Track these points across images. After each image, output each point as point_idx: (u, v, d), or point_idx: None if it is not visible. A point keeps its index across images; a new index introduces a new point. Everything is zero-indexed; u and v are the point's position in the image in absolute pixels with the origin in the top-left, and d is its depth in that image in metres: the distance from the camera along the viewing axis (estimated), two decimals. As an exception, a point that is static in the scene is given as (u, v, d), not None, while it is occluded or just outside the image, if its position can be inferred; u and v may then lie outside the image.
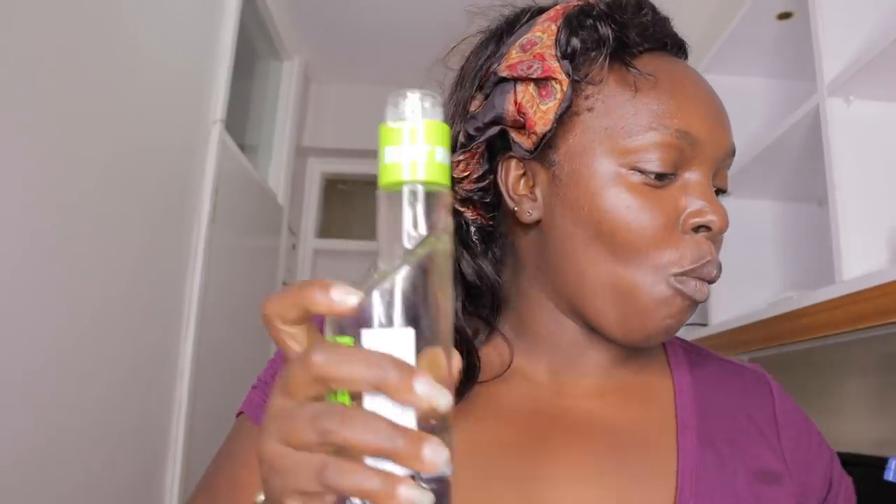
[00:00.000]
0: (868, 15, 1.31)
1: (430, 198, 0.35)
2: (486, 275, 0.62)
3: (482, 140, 0.60)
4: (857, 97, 1.28)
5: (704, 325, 1.90)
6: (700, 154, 0.56)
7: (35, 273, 1.28)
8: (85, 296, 1.45)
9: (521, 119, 0.58)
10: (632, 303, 0.56)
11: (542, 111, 0.57)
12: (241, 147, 2.53)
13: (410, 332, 0.34)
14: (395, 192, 0.35)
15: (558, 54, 0.57)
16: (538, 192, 0.59)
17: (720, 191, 0.59)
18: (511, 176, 0.60)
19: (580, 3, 0.61)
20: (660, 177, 0.55)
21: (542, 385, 0.62)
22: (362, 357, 0.33)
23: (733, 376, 0.69)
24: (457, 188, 0.62)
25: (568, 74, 0.57)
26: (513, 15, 0.64)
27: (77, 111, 1.41)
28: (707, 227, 0.56)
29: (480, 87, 0.61)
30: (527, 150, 0.59)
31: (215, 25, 2.21)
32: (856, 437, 1.63)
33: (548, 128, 0.57)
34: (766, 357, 2.13)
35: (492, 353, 0.62)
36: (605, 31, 0.58)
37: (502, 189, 0.60)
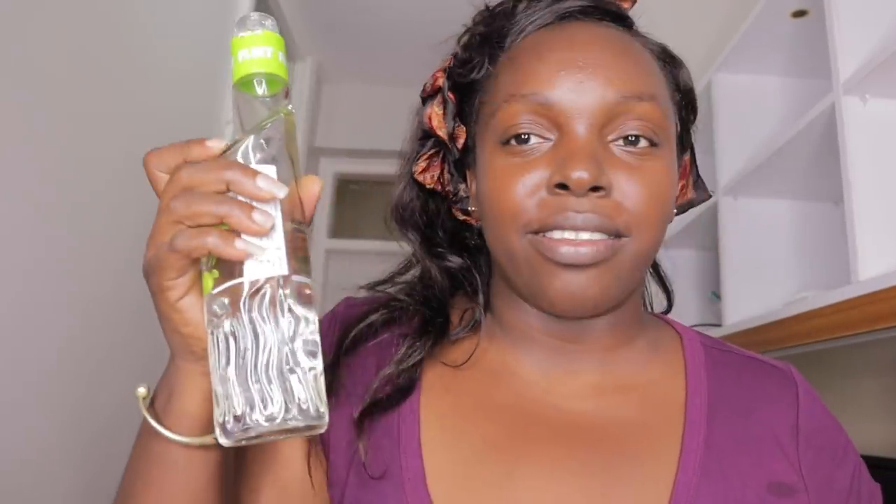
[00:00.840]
0: (884, 13, 1.30)
1: (274, 83, 0.47)
2: (467, 267, 0.67)
3: (424, 153, 0.66)
4: (873, 95, 1.26)
5: (718, 325, 1.89)
6: (563, 114, 0.56)
7: (48, 273, 1.29)
8: (98, 296, 1.46)
9: (433, 129, 0.65)
10: (520, 271, 0.58)
11: (438, 116, 0.65)
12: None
13: (272, 168, 0.46)
14: (249, 81, 0.47)
15: (447, 67, 0.65)
16: (476, 190, 0.64)
17: (639, 138, 0.57)
18: (474, 182, 0.65)
19: (480, 11, 0.66)
20: (522, 142, 0.57)
21: (532, 383, 0.62)
22: (216, 165, 0.45)
23: (757, 377, 0.66)
24: (448, 203, 0.68)
25: (451, 82, 0.64)
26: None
27: (90, 112, 1.42)
28: (564, 185, 0.55)
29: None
30: (453, 153, 0.65)
31: (228, 26, 2.21)
32: (871, 439, 1.62)
33: (446, 129, 0.64)
34: (780, 358, 2.11)
35: (483, 344, 0.65)
36: (481, 33, 0.63)
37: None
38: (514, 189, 0.56)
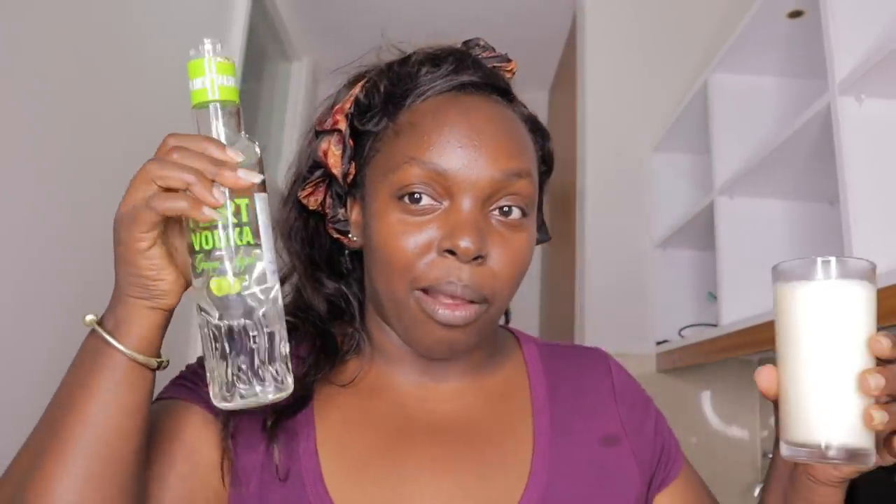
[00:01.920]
0: (880, 13, 1.30)
1: (227, 108, 0.55)
2: (343, 293, 0.76)
3: (313, 180, 0.73)
4: (869, 96, 1.27)
5: (715, 325, 1.89)
6: (457, 185, 0.65)
7: (47, 274, 1.29)
8: (97, 296, 1.46)
9: (327, 162, 0.72)
10: (401, 317, 0.67)
11: (335, 156, 0.71)
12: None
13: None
14: (204, 108, 0.55)
15: (348, 111, 0.72)
16: (360, 220, 0.72)
17: (512, 209, 0.67)
18: (353, 209, 0.73)
19: (384, 66, 0.73)
20: (415, 201, 0.65)
21: (409, 394, 0.72)
22: (200, 137, 0.54)
23: (579, 359, 0.81)
24: (327, 221, 0.75)
25: (351, 126, 0.71)
26: (349, 79, 0.76)
27: (87, 112, 1.42)
28: (452, 252, 0.63)
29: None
30: (341, 188, 0.73)
31: (225, 27, 2.21)
32: (868, 439, 1.62)
33: (341, 169, 0.71)
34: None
35: (364, 366, 0.74)
36: (385, 88, 0.71)
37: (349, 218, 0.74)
38: (406, 245, 0.64)
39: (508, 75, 0.75)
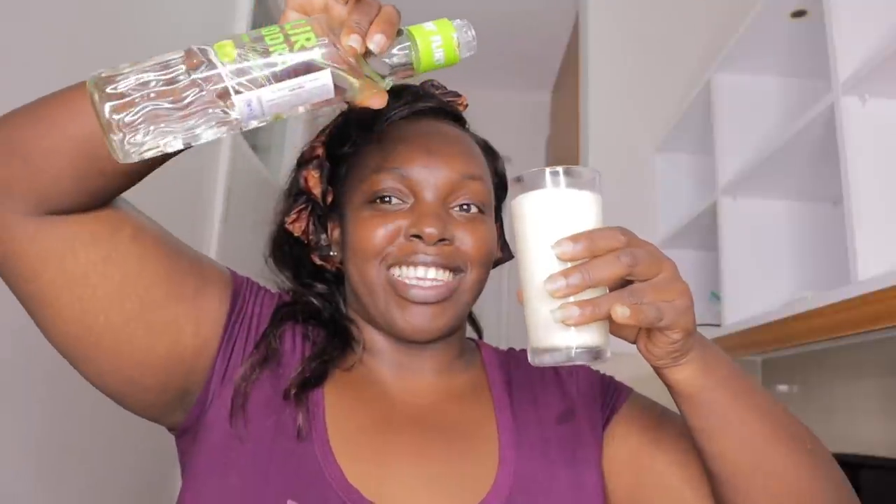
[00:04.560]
0: (883, 12, 1.30)
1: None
2: (332, 295, 0.84)
3: (297, 207, 0.82)
4: (873, 95, 1.27)
5: (718, 325, 1.89)
6: (419, 185, 0.75)
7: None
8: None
9: (308, 186, 0.81)
10: (377, 302, 0.75)
11: (314, 178, 0.82)
12: (254, 148, 2.54)
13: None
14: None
15: (324, 138, 0.83)
16: (339, 237, 0.81)
17: (471, 206, 0.77)
18: (334, 230, 0.82)
19: None
20: (384, 202, 0.75)
21: (391, 385, 0.80)
22: None
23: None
24: (310, 251, 0.83)
25: (327, 152, 0.82)
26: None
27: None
28: (419, 236, 0.73)
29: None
30: (322, 208, 0.82)
31: (227, 26, 2.22)
32: (870, 439, 1.62)
33: (320, 188, 0.81)
34: (780, 358, 2.11)
35: (359, 355, 0.80)
36: (356, 117, 0.81)
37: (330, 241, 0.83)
38: (377, 232, 0.74)
39: (461, 108, 0.87)
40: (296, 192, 0.83)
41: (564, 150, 3.03)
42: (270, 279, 0.84)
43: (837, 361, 1.80)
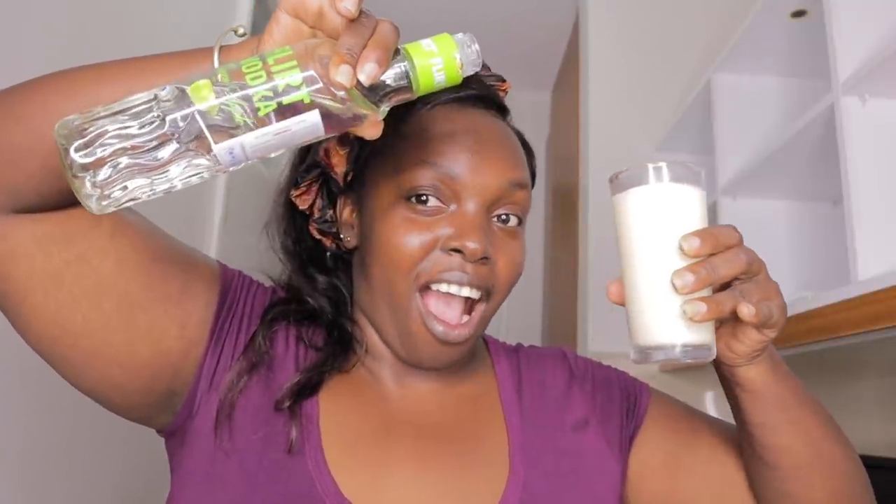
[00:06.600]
0: (884, 12, 1.30)
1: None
2: (336, 290, 0.77)
3: (308, 179, 0.75)
4: (873, 95, 1.26)
5: (717, 325, 1.89)
6: (464, 190, 0.68)
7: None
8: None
9: (329, 162, 0.74)
10: (398, 322, 0.69)
11: (339, 155, 0.73)
12: (254, 148, 2.54)
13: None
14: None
15: None
16: (355, 221, 0.74)
17: (510, 217, 0.71)
18: (345, 209, 0.75)
19: None
20: (422, 202, 0.68)
21: (391, 390, 0.74)
22: None
23: (540, 359, 0.83)
24: (311, 221, 0.77)
25: None
26: None
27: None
28: (460, 251, 0.66)
29: None
30: (340, 186, 0.75)
31: (227, 26, 2.21)
32: (870, 439, 1.62)
33: (345, 168, 0.73)
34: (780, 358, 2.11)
35: (360, 356, 0.75)
36: None
37: (338, 219, 0.76)
38: (412, 242, 0.67)
39: (503, 94, 0.79)
40: (310, 164, 0.76)
41: (564, 149, 3.02)
42: (270, 278, 0.79)
43: (837, 361, 1.80)
